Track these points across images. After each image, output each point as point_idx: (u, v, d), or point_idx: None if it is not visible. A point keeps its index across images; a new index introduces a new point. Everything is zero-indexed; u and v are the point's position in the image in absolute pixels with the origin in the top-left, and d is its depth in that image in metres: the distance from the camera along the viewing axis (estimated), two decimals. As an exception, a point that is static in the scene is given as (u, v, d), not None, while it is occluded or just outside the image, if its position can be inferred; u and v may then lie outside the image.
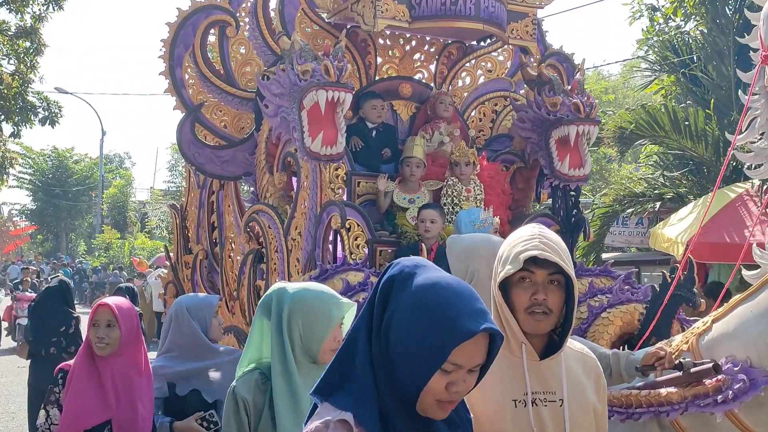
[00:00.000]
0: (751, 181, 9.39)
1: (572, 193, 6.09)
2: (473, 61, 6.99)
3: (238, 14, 6.27)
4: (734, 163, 10.08)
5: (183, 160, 6.63)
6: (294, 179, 5.76)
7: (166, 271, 21.68)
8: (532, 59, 6.45)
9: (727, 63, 11.71)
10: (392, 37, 6.77)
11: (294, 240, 5.49)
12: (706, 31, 12.43)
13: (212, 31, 6.22)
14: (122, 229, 41.56)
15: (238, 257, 6.21)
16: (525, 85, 6.67)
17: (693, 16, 12.68)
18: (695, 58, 12.27)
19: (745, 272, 3.41)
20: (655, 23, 13.74)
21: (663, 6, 13.39)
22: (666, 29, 13.57)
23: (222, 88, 6.19)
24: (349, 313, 3.03)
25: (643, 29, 14.27)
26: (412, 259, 1.91)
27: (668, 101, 13.04)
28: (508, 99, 6.88)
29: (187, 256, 6.89)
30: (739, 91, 3.84)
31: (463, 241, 3.35)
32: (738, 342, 3.12)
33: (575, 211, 6.10)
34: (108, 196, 43.46)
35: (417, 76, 6.89)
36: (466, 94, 7.02)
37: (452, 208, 5.88)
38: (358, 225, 5.42)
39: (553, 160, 5.93)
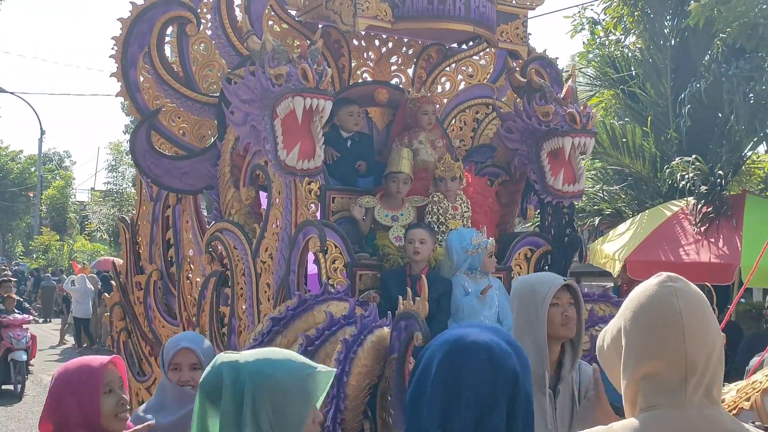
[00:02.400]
0: (686, 198, 9.47)
1: (565, 210, 5.67)
2: (454, 65, 6.56)
3: (199, 10, 5.72)
4: (670, 181, 10.08)
5: (124, 160, 6.04)
6: (263, 195, 5.28)
7: (93, 276, 20.95)
8: (515, 65, 5.99)
9: (665, 81, 11.89)
10: (367, 38, 6.29)
11: (264, 263, 5.00)
12: (644, 48, 12.61)
13: (170, 28, 5.69)
14: (61, 231, 40.32)
15: (198, 279, 5.71)
16: (510, 92, 6.28)
17: (632, 31, 12.75)
18: (634, 74, 12.44)
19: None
20: (596, 36, 13.79)
21: (603, 20, 13.45)
22: (606, 43, 13.54)
23: (181, 92, 5.65)
24: (326, 384, 2.21)
25: (584, 42, 14.34)
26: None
27: (607, 117, 13.27)
28: (491, 106, 6.45)
29: (138, 276, 6.32)
30: None
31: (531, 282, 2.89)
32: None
33: (569, 229, 5.68)
34: (47, 197, 42.18)
35: (394, 81, 6.45)
36: (446, 101, 6.59)
37: (438, 227, 5.40)
38: (336, 247, 4.95)
39: (545, 174, 5.48)
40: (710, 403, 1.81)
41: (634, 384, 1.84)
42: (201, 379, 2.16)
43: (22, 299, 16.06)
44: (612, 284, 12.48)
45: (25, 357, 13.18)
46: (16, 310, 13.62)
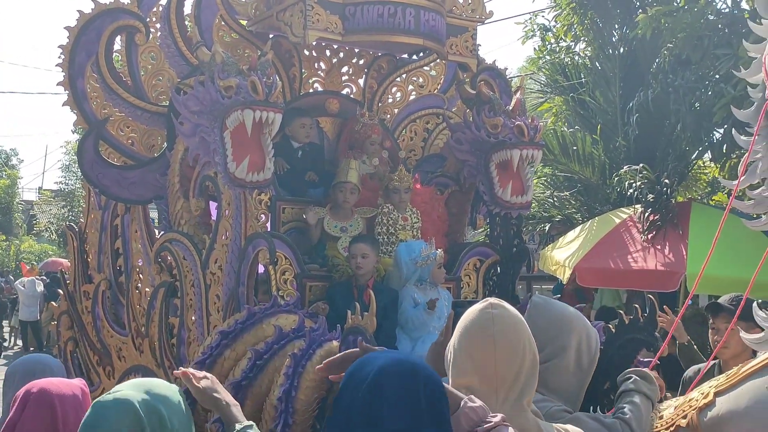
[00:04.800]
0: (634, 206, 9.64)
1: (513, 221, 5.76)
2: (404, 76, 6.60)
3: (148, 19, 5.68)
4: (619, 188, 10.27)
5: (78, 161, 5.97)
6: (213, 205, 5.25)
7: (39, 280, 20.56)
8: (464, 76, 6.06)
9: (613, 89, 12.06)
10: (318, 48, 6.32)
11: (213, 274, 4.98)
12: (593, 56, 12.87)
13: (119, 37, 5.64)
14: (7, 231, 39.50)
15: (147, 289, 5.66)
16: (460, 102, 6.35)
17: (582, 39, 13.03)
18: (584, 81, 12.61)
19: (744, 335, 3.03)
20: (547, 43, 14.00)
21: (554, 27, 13.65)
22: (557, 49, 13.77)
23: (129, 102, 5.60)
24: None
25: (535, 48, 14.57)
26: None
27: (558, 123, 13.48)
28: (441, 117, 6.51)
29: (86, 285, 6.24)
30: (733, 131, 3.49)
31: (555, 309, 2.86)
32: (753, 424, 2.73)
33: (517, 240, 5.77)
34: (-9, 196, 41.23)
35: (345, 91, 6.48)
36: (396, 111, 6.64)
37: (387, 238, 5.47)
38: (286, 258, 4.99)
39: (494, 186, 5.56)
40: (519, 410, 2.18)
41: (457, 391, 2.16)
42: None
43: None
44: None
45: None
46: None
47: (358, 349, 2.31)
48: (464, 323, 2.25)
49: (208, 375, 2.56)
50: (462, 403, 2.07)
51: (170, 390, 2.27)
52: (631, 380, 3.18)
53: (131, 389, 2.20)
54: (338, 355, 2.35)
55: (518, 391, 2.20)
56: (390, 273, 5.30)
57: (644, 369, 3.37)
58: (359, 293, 4.99)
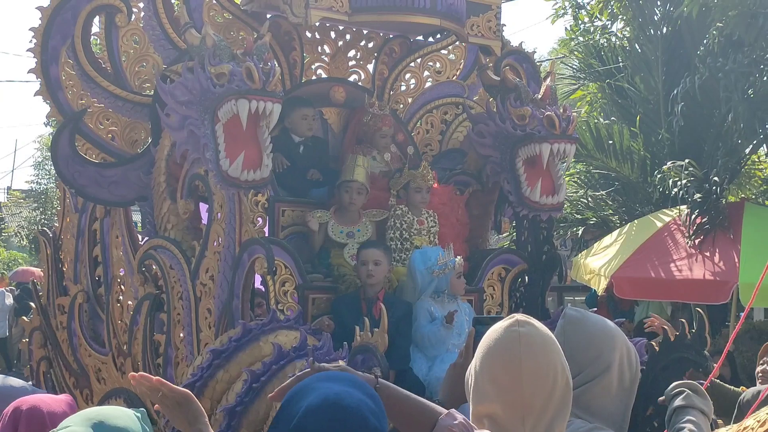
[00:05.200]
0: (679, 207, 9.62)
1: (543, 225, 5.76)
2: (419, 60, 6.62)
3: (130, -2, 5.71)
4: (661, 187, 10.21)
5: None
6: (203, 207, 5.29)
7: (8, 292, 20.68)
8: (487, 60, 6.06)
9: (656, 75, 12.00)
10: (322, 29, 6.33)
11: (204, 285, 5.01)
12: (632, 37, 12.78)
13: (97, 18, 5.66)
14: (-28, 236, 39.71)
15: (130, 302, 5.71)
16: (482, 90, 6.38)
17: (620, 17, 12.98)
18: (622, 66, 12.55)
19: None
20: (580, 22, 13.98)
21: (588, 4, 13.63)
22: (591, 30, 13.75)
23: (110, 91, 5.61)
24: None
25: (566, 28, 14.52)
26: None
27: (592, 114, 13.42)
28: (461, 107, 6.52)
29: (61, 298, 6.28)
30: None
31: (594, 323, 2.83)
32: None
33: (547, 246, 5.78)
34: (-45, 198, 41.49)
35: (352, 78, 6.48)
36: (410, 100, 6.64)
37: (401, 244, 5.49)
38: (286, 267, 5.00)
39: (521, 184, 5.58)
40: None
41: (478, 422, 2.16)
42: None
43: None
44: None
45: None
46: None
47: (310, 370, 2.32)
48: (487, 343, 2.23)
49: (183, 390, 2.56)
50: (439, 420, 2.05)
51: (127, 420, 2.30)
52: (683, 395, 3.14)
53: (80, 423, 2.27)
54: (290, 379, 2.34)
55: (548, 420, 2.17)
56: (403, 284, 5.30)
57: (693, 382, 3.33)
58: (369, 307, 4.98)
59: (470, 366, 2.28)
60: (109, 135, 5.77)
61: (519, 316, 2.23)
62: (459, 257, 5.26)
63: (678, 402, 3.11)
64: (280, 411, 2.01)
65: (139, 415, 2.38)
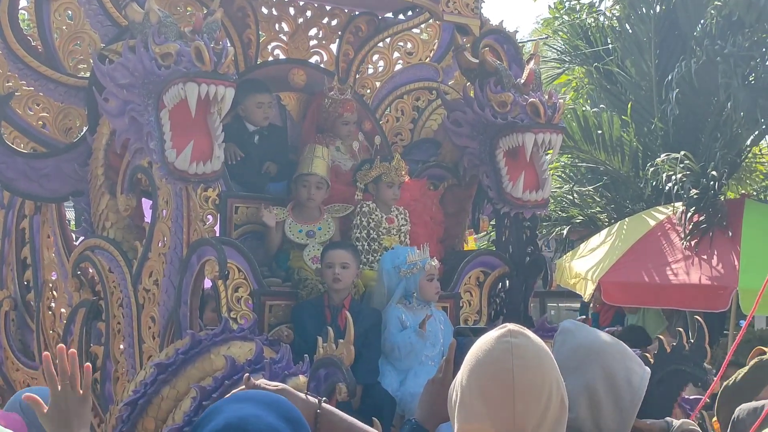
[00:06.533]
0: (673, 204, 9.67)
1: (526, 223, 5.80)
2: (388, 40, 6.66)
3: (64, -33, 5.70)
4: (654, 182, 10.28)
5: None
6: (147, 203, 5.32)
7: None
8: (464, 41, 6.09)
9: (648, 58, 12.01)
10: (280, 5, 6.36)
11: (148, 291, 5.04)
12: (623, 16, 12.79)
13: (27, -10, 5.66)
14: None
15: (63, 310, 5.74)
16: (458, 74, 6.41)
17: None
18: (611, 48, 12.58)
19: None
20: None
21: None
22: (577, 8, 13.84)
23: (40, 72, 5.59)
24: None
25: (550, 6, 14.63)
26: None
27: (579, 101, 13.53)
28: (434, 92, 6.55)
29: None
30: None
31: (585, 335, 2.84)
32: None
33: (531, 247, 5.82)
34: None
35: (313, 59, 6.51)
36: (378, 84, 6.67)
37: (368, 245, 5.51)
38: (240, 271, 5.00)
39: (502, 178, 5.60)
40: None
41: None
42: None
43: None
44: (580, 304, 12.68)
45: None
46: None
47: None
48: (476, 354, 2.22)
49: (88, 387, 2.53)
50: None
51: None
52: None
53: None
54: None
55: None
56: (371, 290, 5.31)
57: (690, 423, 3.36)
58: (333, 315, 4.98)
59: (455, 380, 2.27)
60: (40, 122, 5.76)
61: (511, 326, 2.23)
62: (434, 259, 5.26)
63: None
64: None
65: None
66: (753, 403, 5.35)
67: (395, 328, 5.11)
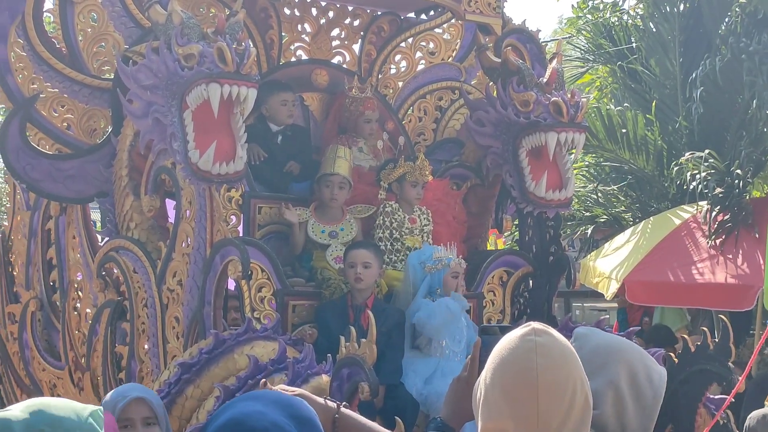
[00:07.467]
0: (698, 203, 9.62)
1: (550, 223, 5.77)
2: (411, 40, 6.66)
3: (88, -30, 5.74)
4: (679, 181, 10.21)
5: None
6: (170, 204, 5.32)
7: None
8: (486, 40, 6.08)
9: (672, 57, 11.96)
10: (303, 5, 6.37)
11: (172, 291, 5.05)
12: (646, 15, 12.76)
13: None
14: None
15: (88, 310, 5.73)
16: (480, 74, 6.38)
17: None
18: (635, 47, 12.55)
19: None
20: None
21: None
22: (601, 6, 13.81)
23: (65, 74, 5.62)
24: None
25: (573, 5, 14.61)
26: None
27: (602, 100, 13.48)
28: (457, 92, 6.55)
29: (12, 306, 6.33)
30: None
31: (602, 336, 2.87)
32: None
33: (554, 247, 5.78)
34: None
35: (336, 60, 6.52)
36: (401, 84, 6.68)
37: (391, 245, 5.51)
38: (263, 270, 5.00)
39: (525, 178, 5.58)
40: None
41: None
42: None
43: None
44: (607, 308, 12.64)
45: None
46: None
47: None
48: (500, 353, 2.22)
49: None
50: None
51: (71, 411, 2.33)
52: None
53: (21, 409, 2.27)
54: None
55: None
56: (395, 290, 5.32)
57: None
58: (356, 314, 4.98)
59: (479, 378, 2.27)
60: (65, 123, 5.78)
61: (536, 325, 2.23)
62: (460, 257, 5.29)
63: None
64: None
65: (93, 410, 2.39)
66: (763, 410, 5.32)
67: (426, 301, 5.13)
